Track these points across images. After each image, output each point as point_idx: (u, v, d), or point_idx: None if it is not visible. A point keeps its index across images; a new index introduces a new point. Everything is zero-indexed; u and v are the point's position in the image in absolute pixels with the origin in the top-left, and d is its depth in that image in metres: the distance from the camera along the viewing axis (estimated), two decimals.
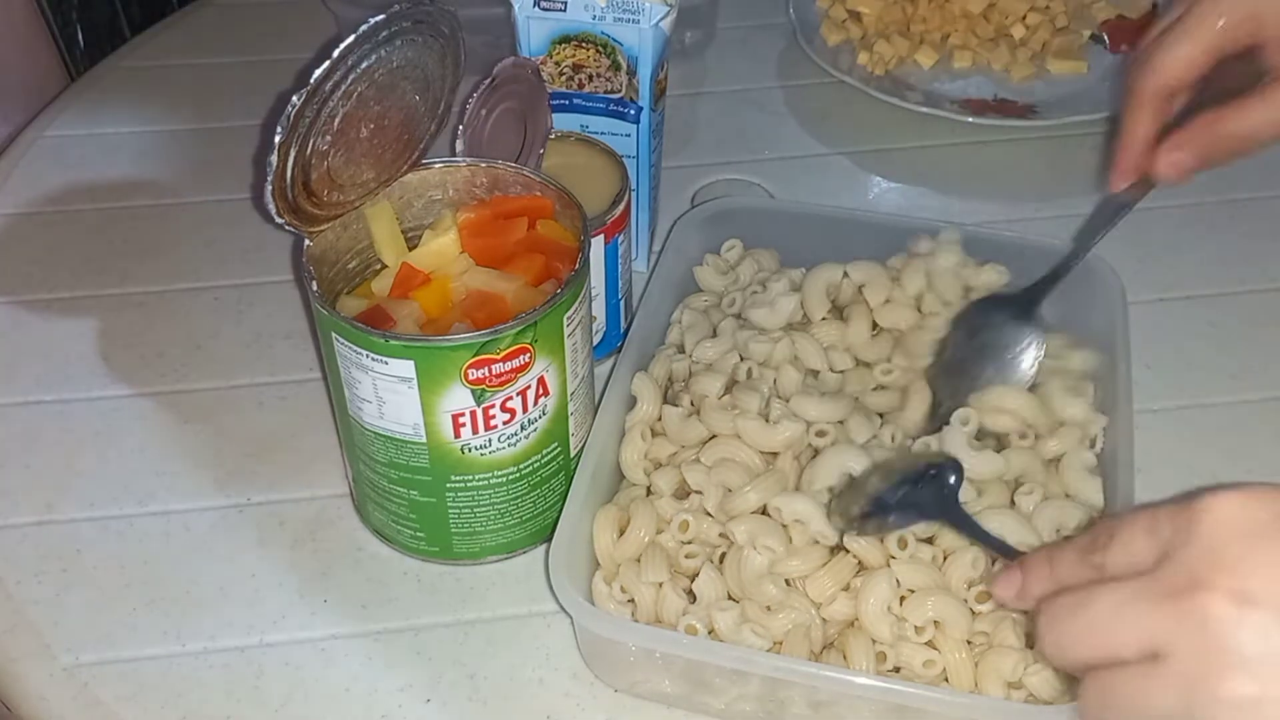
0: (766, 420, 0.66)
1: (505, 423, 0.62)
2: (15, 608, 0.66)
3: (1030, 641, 0.59)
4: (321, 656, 0.64)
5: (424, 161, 0.68)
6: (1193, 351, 0.81)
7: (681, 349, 0.73)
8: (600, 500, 0.65)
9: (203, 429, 0.76)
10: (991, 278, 0.74)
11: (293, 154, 0.59)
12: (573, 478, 0.63)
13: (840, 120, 1.01)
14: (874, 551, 0.61)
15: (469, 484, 0.64)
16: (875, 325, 0.74)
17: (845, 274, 0.75)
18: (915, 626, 0.59)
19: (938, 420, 0.68)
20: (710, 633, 0.60)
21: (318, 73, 0.57)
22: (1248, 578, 0.40)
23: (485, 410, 0.61)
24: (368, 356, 0.59)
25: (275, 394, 0.78)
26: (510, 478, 0.64)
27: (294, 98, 0.57)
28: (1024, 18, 1.05)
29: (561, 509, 0.62)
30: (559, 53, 0.78)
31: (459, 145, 0.68)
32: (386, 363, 0.59)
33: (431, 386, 0.59)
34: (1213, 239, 0.89)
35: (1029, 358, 0.69)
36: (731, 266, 0.78)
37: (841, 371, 0.71)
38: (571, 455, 0.67)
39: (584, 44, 0.77)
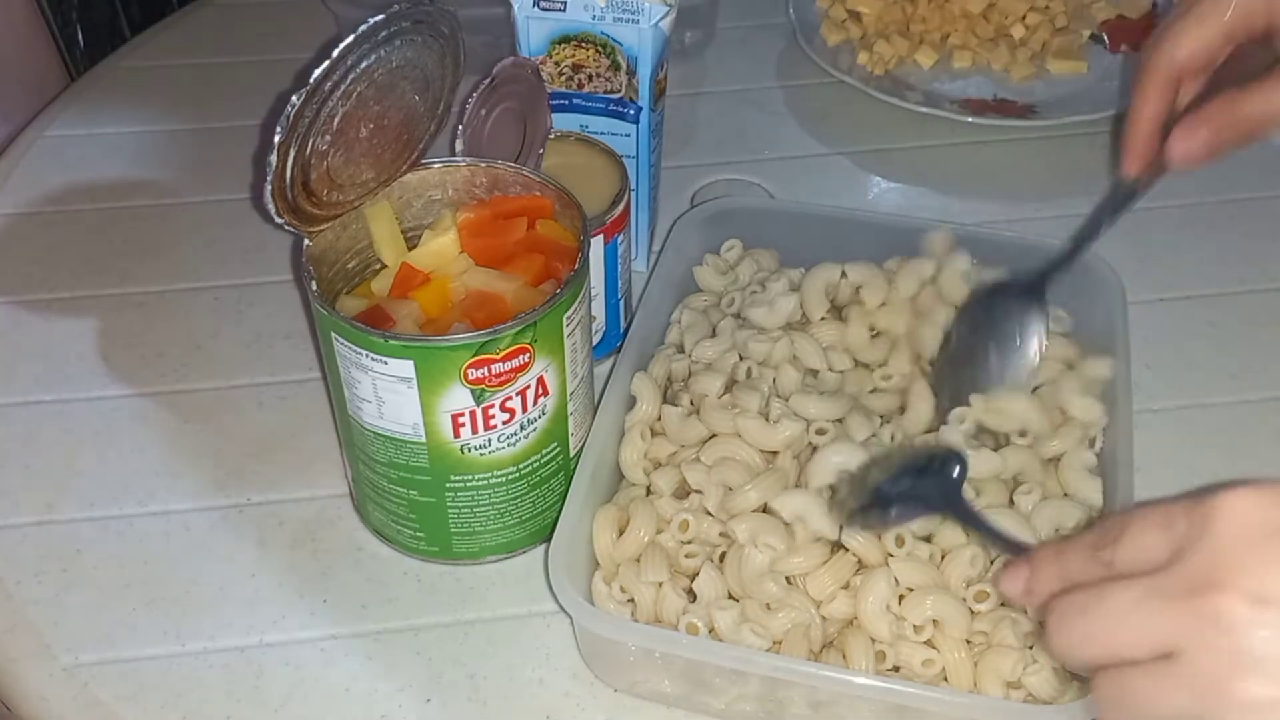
0: (766, 419, 0.66)
1: (505, 423, 0.62)
2: (15, 608, 0.66)
3: (1030, 641, 0.59)
4: (321, 656, 0.64)
5: (423, 161, 0.68)
6: (1193, 351, 0.81)
7: (681, 349, 0.73)
8: (600, 500, 0.65)
9: (203, 429, 0.76)
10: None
11: (292, 154, 0.59)
12: (572, 478, 0.63)
13: (840, 120, 1.01)
14: (872, 549, 0.61)
15: (469, 484, 0.64)
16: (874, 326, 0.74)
17: (844, 274, 0.75)
18: (914, 625, 0.59)
19: (943, 414, 0.68)
20: (710, 632, 0.60)
21: (317, 73, 0.57)
22: (1264, 577, 0.39)
23: (485, 410, 0.61)
24: (367, 356, 0.59)
25: (275, 394, 0.78)
26: (510, 478, 0.64)
27: (294, 98, 0.57)
28: (1024, 18, 1.05)
29: (561, 509, 0.62)
30: (559, 53, 0.78)
31: (458, 145, 0.68)
32: (386, 363, 0.59)
33: (431, 386, 0.59)
34: (1213, 239, 0.89)
35: (1033, 346, 0.68)
36: (731, 266, 0.78)
37: (841, 371, 0.71)
38: (571, 455, 0.67)
39: (584, 44, 0.77)
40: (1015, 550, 0.52)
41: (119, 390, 0.78)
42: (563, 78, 0.79)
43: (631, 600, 0.62)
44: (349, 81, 0.59)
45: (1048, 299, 0.69)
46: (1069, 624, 0.43)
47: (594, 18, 0.76)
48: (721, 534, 0.63)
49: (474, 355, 0.59)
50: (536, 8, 0.77)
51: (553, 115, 0.76)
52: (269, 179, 0.58)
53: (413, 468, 0.63)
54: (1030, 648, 0.59)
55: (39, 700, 0.63)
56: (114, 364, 0.80)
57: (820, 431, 0.66)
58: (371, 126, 0.63)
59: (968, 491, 0.64)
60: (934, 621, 0.60)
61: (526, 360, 0.60)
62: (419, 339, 0.59)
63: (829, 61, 1.02)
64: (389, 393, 0.60)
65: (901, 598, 0.60)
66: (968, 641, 0.60)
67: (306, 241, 0.63)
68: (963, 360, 0.69)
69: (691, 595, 0.62)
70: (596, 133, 0.79)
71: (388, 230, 0.67)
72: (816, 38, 1.05)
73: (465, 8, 0.66)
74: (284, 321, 0.83)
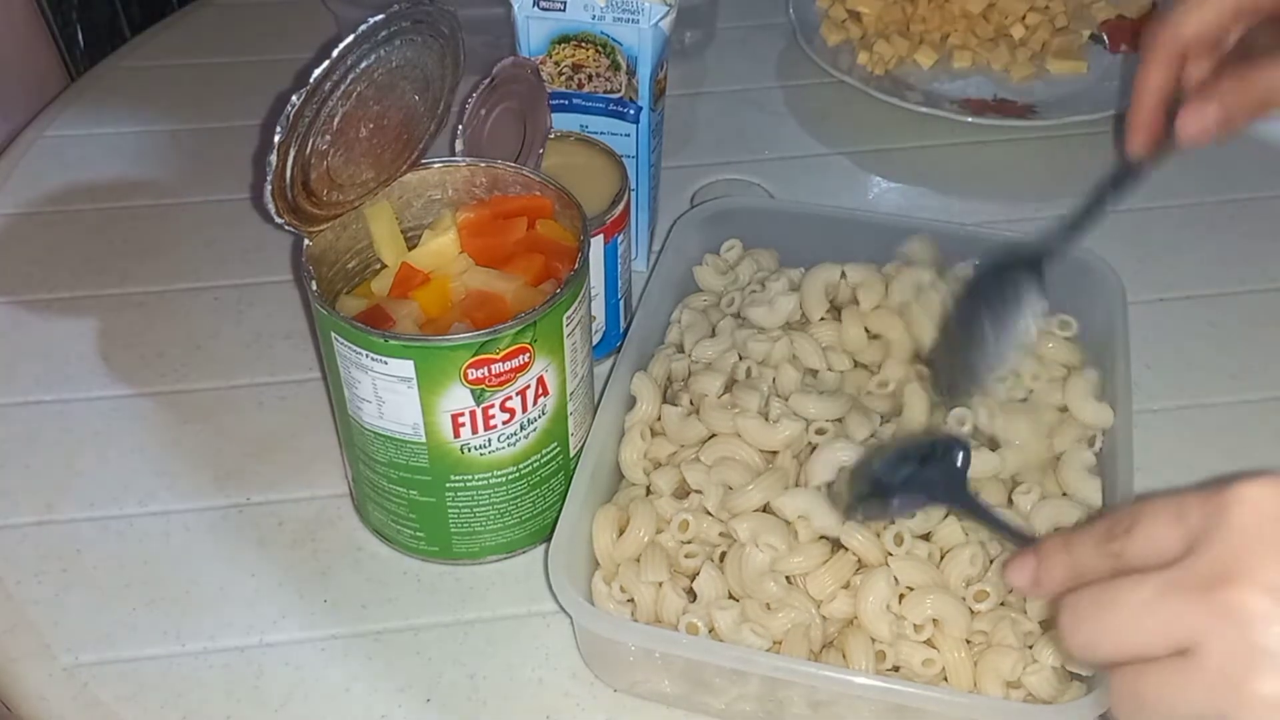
0: (766, 419, 0.66)
1: (505, 422, 0.62)
2: (15, 608, 0.66)
3: (1030, 641, 0.59)
4: (321, 656, 0.64)
5: (423, 161, 0.68)
6: (1193, 351, 0.81)
7: (681, 348, 0.73)
8: (600, 500, 0.65)
9: (203, 429, 0.76)
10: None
11: (292, 154, 0.59)
12: (572, 477, 0.63)
13: (840, 120, 1.01)
14: (872, 549, 0.61)
15: (468, 484, 0.64)
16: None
17: (843, 274, 0.75)
18: (914, 625, 0.59)
19: (941, 396, 0.67)
20: (710, 632, 0.60)
21: (317, 72, 0.57)
22: None
23: (485, 410, 0.61)
24: (367, 356, 0.59)
25: (275, 394, 0.78)
26: (510, 477, 0.64)
27: (293, 98, 0.57)
28: (1024, 18, 1.05)
29: (561, 509, 0.62)
30: (558, 53, 0.78)
31: (458, 145, 0.68)
32: (386, 363, 0.59)
33: (431, 386, 0.59)
34: (1213, 239, 0.89)
35: (1028, 322, 0.66)
36: (731, 266, 0.78)
37: (840, 371, 0.71)
38: (571, 455, 0.67)
39: (583, 44, 0.77)
40: (1021, 541, 0.51)
41: (119, 390, 0.78)
42: (563, 78, 0.79)
43: (631, 600, 0.62)
44: (349, 81, 0.59)
45: (1045, 275, 0.67)
46: (1083, 621, 0.42)
47: (594, 18, 0.76)
48: (721, 534, 0.63)
49: (474, 355, 0.59)
50: (536, 8, 0.77)
51: (553, 115, 0.76)
52: (269, 179, 0.58)
53: (413, 468, 0.63)
54: (1030, 648, 0.59)
55: (39, 700, 0.63)
56: (114, 364, 0.80)
57: (820, 431, 0.66)
58: (371, 126, 0.63)
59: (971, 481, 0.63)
60: (934, 621, 0.60)
61: (526, 360, 0.60)
62: (419, 339, 0.59)
63: (829, 61, 1.02)
64: (389, 393, 0.60)
65: (901, 597, 0.60)
66: (968, 641, 0.60)
67: (306, 241, 0.63)
68: (960, 336, 0.68)
69: (691, 595, 0.62)
70: (596, 133, 0.79)
71: (388, 230, 0.67)
72: (816, 38, 1.05)
73: (465, 8, 0.66)
74: (284, 321, 0.83)
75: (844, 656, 0.60)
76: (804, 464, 0.65)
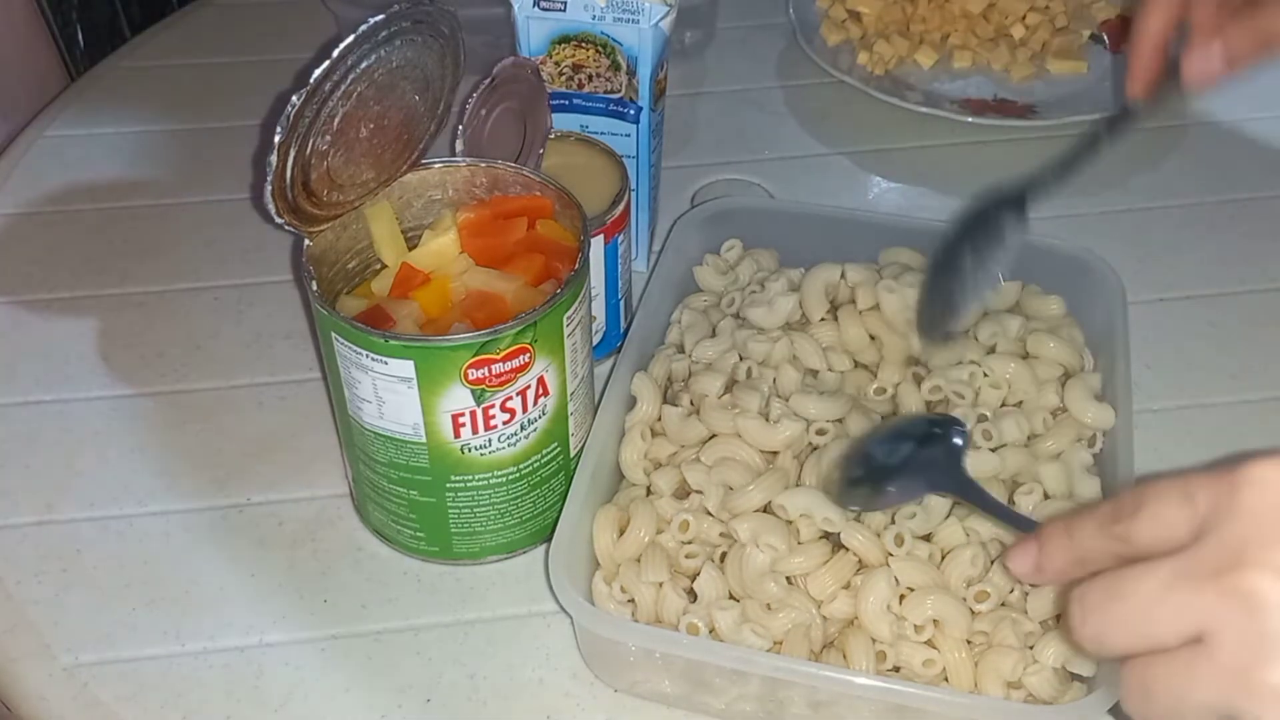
0: (766, 419, 0.66)
1: (505, 423, 0.62)
2: (15, 608, 0.66)
3: (1031, 641, 0.59)
4: (321, 656, 0.64)
5: (424, 161, 0.68)
6: (1193, 351, 0.81)
7: (681, 349, 0.73)
8: (600, 500, 0.65)
9: (203, 429, 0.76)
10: None
11: (292, 154, 0.59)
12: (573, 478, 0.63)
13: (840, 120, 1.01)
14: (873, 549, 0.61)
15: (469, 484, 0.64)
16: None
17: (843, 274, 0.75)
18: (915, 625, 0.59)
19: (925, 336, 0.68)
20: (710, 632, 0.60)
21: (317, 73, 0.57)
22: None
23: (485, 410, 0.61)
24: (368, 356, 0.59)
25: (275, 394, 0.78)
26: (510, 478, 0.64)
27: (294, 98, 0.57)
28: (1024, 18, 1.05)
29: (561, 509, 0.62)
30: (559, 53, 0.78)
31: (459, 145, 0.68)
32: (386, 363, 0.59)
33: (431, 386, 0.59)
34: (1213, 239, 0.89)
35: (999, 256, 0.66)
36: (731, 266, 0.78)
37: (841, 372, 0.71)
38: (571, 455, 0.67)
39: (584, 44, 0.77)
40: (1021, 526, 0.49)
41: (119, 390, 0.78)
42: (563, 78, 0.79)
43: (632, 600, 0.62)
44: (349, 81, 0.59)
45: (1026, 212, 0.67)
46: (1092, 613, 0.40)
47: (594, 18, 0.76)
48: (722, 534, 0.63)
49: (474, 355, 0.59)
50: (536, 8, 0.77)
51: (553, 115, 0.76)
52: (269, 179, 0.58)
53: (413, 468, 0.63)
54: (1031, 648, 0.59)
55: (39, 700, 0.63)
56: (114, 364, 0.80)
57: (820, 431, 0.66)
58: (371, 126, 0.63)
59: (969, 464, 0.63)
60: (934, 621, 0.59)
61: (527, 360, 0.60)
62: (419, 339, 0.59)
63: (829, 61, 1.02)
64: (389, 393, 0.60)
65: (902, 597, 0.60)
66: (968, 641, 0.60)
67: (306, 241, 0.63)
68: (943, 273, 0.68)
69: (692, 595, 0.62)
70: (596, 133, 0.79)
71: (388, 230, 0.67)
72: (816, 38, 1.05)
73: (465, 8, 0.66)
74: (284, 321, 0.83)
75: (844, 657, 0.60)
76: (805, 465, 0.65)
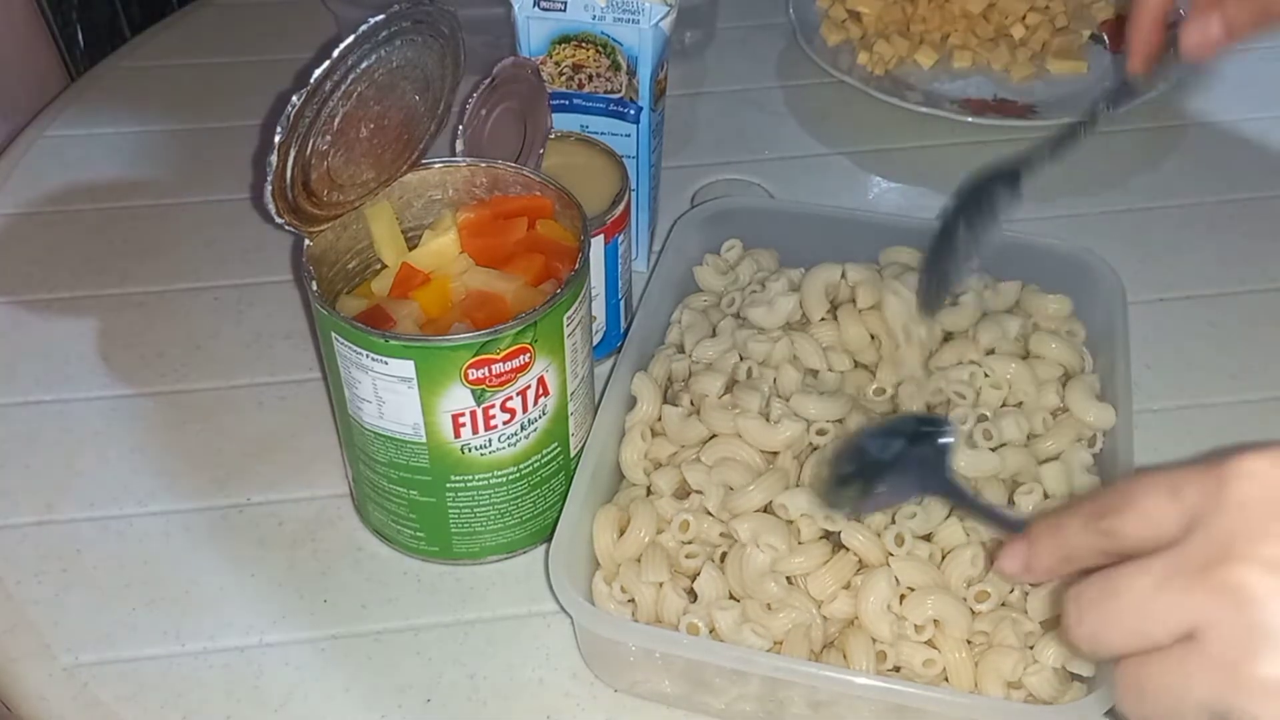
0: (767, 419, 0.66)
1: (505, 423, 0.62)
2: (15, 608, 0.66)
3: (1031, 641, 0.59)
4: (321, 656, 0.64)
5: (424, 161, 0.68)
6: (1193, 351, 0.81)
7: (681, 349, 0.73)
8: (600, 500, 0.65)
9: (203, 429, 0.76)
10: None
11: (292, 154, 0.59)
12: (573, 478, 0.63)
13: (840, 120, 1.01)
14: (873, 549, 0.61)
15: (469, 484, 0.64)
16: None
17: (844, 274, 0.75)
18: (915, 625, 0.59)
19: (922, 307, 0.69)
20: (710, 632, 0.60)
21: (318, 73, 0.57)
22: None
23: (485, 410, 0.61)
24: (368, 356, 0.59)
25: (275, 394, 0.78)
26: (510, 478, 0.64)
27: (294, 98, 0.57)
28: (1024, 18, 1.05)
29: (561, 509, 0.62)
30: (559, 53, 0.78)
31: (459, 145, 0.68)
32: (386, 363, 0.59)
33: (431, 386, 0.59)
34: (1213, 239, 0.89)
35: (992, 228, 0.68)
36: (731, 266, 0.78)
37: (841, 372, 0.71)
38: (571, 455, 0.67)
39: (584, 44, 0.77)
40: (1009, 527, 0.49)
41: (119, 390, 0.78)
42: (563, 78, 0.79)
43: (632, 600, 0.62)
44: (349, 81, 0.59)
45: (1020, 187, 0.68)
46: (1086, 614, 0.40)
47: (594, 18, 0.76)
48: (722, 534, 0.63)
49: (474, 355, 0.59)
50: (536, 8, 0.77)
51: (553, 115, 0.76)
52: (269, 179, 0.58)
53: (413, 468, 0.63)
54: (1031, 648, 0.59)
55: (39, 700, 0.63)
56: (114, 364, 0.80)
57: (821, 432, 0.66)
58: (372, 126, 0.63)
59: (958, 463, 0.63)
60: (935, 621, 0.59)
61: (527, 360, 0.60)
62: (419, 339, 0.59)
63: (829, 61, 1.02)
64: (389, 393, 0.60)
65: (902, 597, 0.60)
66: (968, 641, 0.60)
67: (306, 241, 0.63)
68: (939, 246, 0.69)
69: (692, 595, 0.62)
70: (596, 133, 0.79)
71: (388, 230, 0.67)
72: (816, 38, 1.05)
73: (465, 8, 0.66)
74: (284, 321, 0.83)
75: (844, 657, 0.60)
76: (805, 465, 0.65)
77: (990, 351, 0.71)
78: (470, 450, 0.62)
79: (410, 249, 0.68)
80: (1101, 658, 0.40)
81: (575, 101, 0.80)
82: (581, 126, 0.80)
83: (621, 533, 0.64)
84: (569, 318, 0.62)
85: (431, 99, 0.66)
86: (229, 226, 0.90)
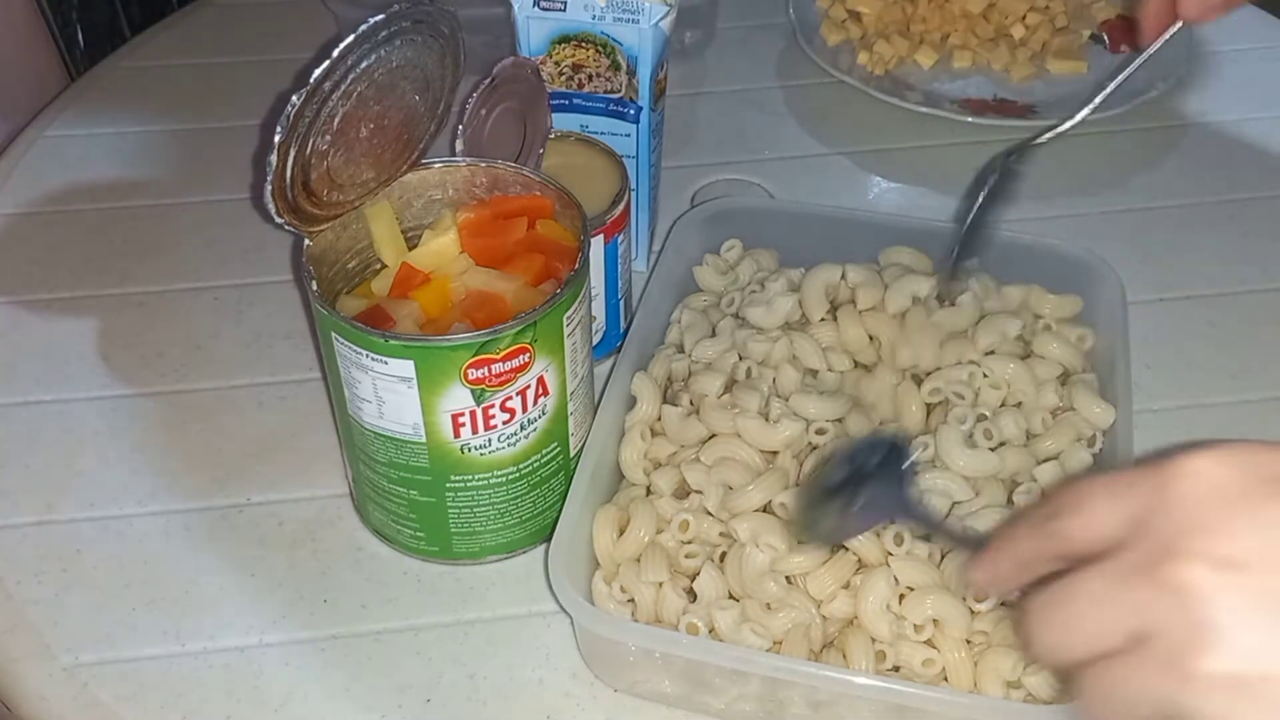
0: (766, 419, 0.66)
1: (505, 422, 0.62)
2: (15, 608, 0.66)
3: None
4: (321, 656, 0.64)
5: (424, 161, 0.68)
6: (1193, 351, 0.81)
7: (681, 349, 0.73)
8: (600, 500, 0.65)
9: (203, 429, 0.76)
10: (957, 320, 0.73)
11: (292, 154, 0.59)
12: (572, 477, 0.63)
13: (840, 120, 1.01)
14: (872, 549, 0.61)
15: (469, 484, 0.64)
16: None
17: (844, 275, 0.75)
18: (914, 625, 0.59)
19: (951, 270, 0.72)
20: (710, 632, 0.60)
21: (317, 72, 0.57)
22: (1231, 538, 0.36)
23: (485, 410, 0.61)
24: (367, 356, 0.59)
25: (275, 394, 0.78)
26: (510, 478, 0.64)
27: (294, 98, 0.57)
28: (1024, 18, 1.05)
29: (561, 509, 0.62)
30: (559, 53, 0.78)
31: (459, 145, 0.68)
32: (386, 363, 0.59)
33: (431, 386, 0.59)
34: (1213, 239, 0.89)
35: (999, 202, 0.73)
36: (731, 266, 0.78)
37: (840, 372, 0.71)
38: (571, 455, 0.67)
39: (584, 44, 0.77)
40: (975, 547, 0.48)
41: (119, 390, 0.78)
42: (563, 78, 0.79)
43: (631, 600, 0.62)
44: (349, 81, 0.59)
45: (1024, 164, 0.74)
46: (1044, 626, 0.40)
47: (594, 18, 0.76)
48: (722, 534, 0.63)
49: (474, 355, 0.59)
50: (536, 8, 0.77)
51: (553, 115, 0.76)
52: (269, 179, 0.58)
53: (413, 468, 0.63)
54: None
55: (39, 700, 0.63)
56: (114, 364, 0.80)
57: (820, 431, 0.66)
58: (371, 126, 0.63)
59: (961, 496, 0.64)
60: (934, 621, 0.60)
61: (526, 360, 0.60)
62: (419, 339, 0.59)
63: (829, 61, 1.02)
64: (389, 393, 0.60)
65: (902, 597, 0.60)
66: (968, 641, 0.60)
67: (306, 241, 0.63)
68: (976, 217, 0.73)
69: (692, 595, 0.62)
70: (596, 133, 0.79)
71: (388, 230, 0.67)
72: (816, 38, 1.05)
73: (465, 8, 0.66)
74: (284, 321, 0.83)
75: (844, 656, 0.60)
76: (804, 465, 0.65)
77: (990, 352, 0.71)
78: (470, 450, 0.62)
79: (410, 249, 0.68)
80: (1061, 666, 0.40)
81: (575, 101, 0.80)
82: (581, 126, 0.80)
83: (621, 533, 0.64)
84: (569, 318, 0.62)
85: (431, 99, 0.66)
86: (229, 226, 0.90)
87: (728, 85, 1.04)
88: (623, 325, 0.79)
